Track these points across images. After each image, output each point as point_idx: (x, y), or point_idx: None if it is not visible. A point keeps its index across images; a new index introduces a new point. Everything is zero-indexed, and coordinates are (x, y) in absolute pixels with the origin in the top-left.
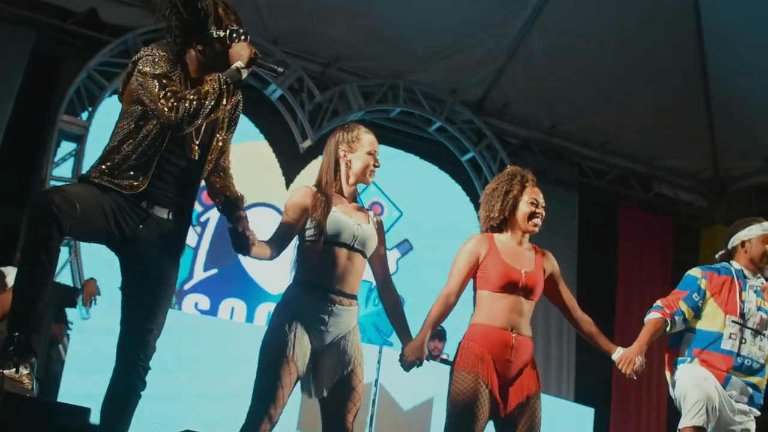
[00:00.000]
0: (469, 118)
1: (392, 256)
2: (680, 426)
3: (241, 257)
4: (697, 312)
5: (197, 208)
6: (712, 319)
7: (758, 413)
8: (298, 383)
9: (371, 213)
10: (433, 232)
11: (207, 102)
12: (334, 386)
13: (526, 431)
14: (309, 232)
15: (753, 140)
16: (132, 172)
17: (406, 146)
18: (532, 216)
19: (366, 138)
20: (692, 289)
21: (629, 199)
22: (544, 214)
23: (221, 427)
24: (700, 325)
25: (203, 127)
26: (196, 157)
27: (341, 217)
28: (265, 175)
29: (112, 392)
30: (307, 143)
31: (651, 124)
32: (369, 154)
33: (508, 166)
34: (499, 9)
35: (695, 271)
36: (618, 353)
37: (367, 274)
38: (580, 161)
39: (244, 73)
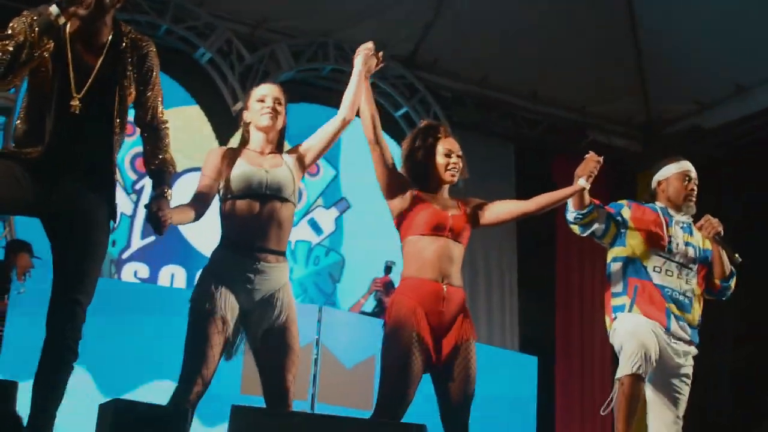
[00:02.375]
0: (400, 73)
1: (331, 214)
2: (617, 375)
3: None
4: (618, 233)
5: (131, 175)
6: (638, 250)
7: (696, 351)
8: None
9: (286, 155)
10: (371, 190)
11: (4, 54)
12: (268, 346)
13: (461, 380)
14: (222, 191)
15: (684, 83)
16: (32, 139)
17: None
18: (447, 167)
19: (256, 91)
20: (617, 209)
21: (564, 148)
22: (460, 163)
23: (160, 391)
24: (627, 252)
25: (89, 82)
26: (77, 111)
27: (245, 167)
28: (197, 140)
29: (42, 364)
30: (239, 106)
31: (582, 71)
32: (258, 101)
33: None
34: None
35: (621, 201)
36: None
37: (304, 233)
38: (513, 112)
39: (61, 20)
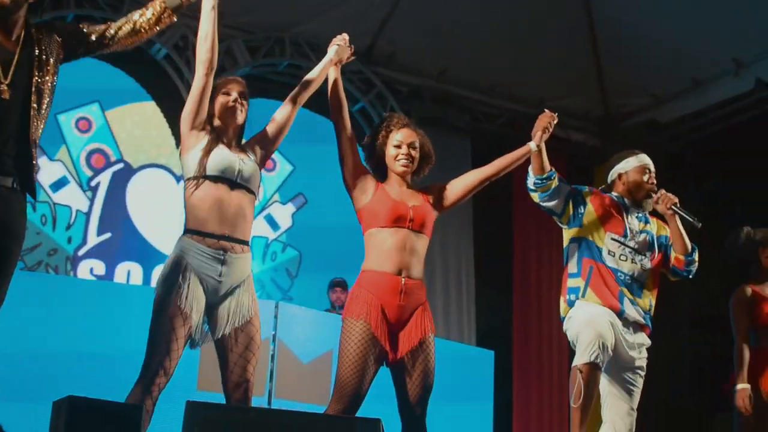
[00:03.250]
0: (357, 68)
1: (287, 210)
2: (574, 363)
3: (134, 218)
4: (576, 213)
5: (87, 172)
6: (594, 233)
7: (649, 342)
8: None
9: (249, 150)
10: (328, 185)
11: None
12: (232, 336)
13: (419, 374)
14: (195, 170)
15: (640, 76)
16: None
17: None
18: (396, 157)
19: (223, 84)
20: (578, 190)
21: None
22: (413, 153)
23: (116, 387)
24: (583, 234)
25: (12, 68)
26: (6, 96)
27: (224, 151)
28: (154, 136)
29: None
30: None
31: (540, 65)
32: (223, 94)
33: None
34: None
35: (584, 186)
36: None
37: (261, 229)
38: (471, 106)
39: None
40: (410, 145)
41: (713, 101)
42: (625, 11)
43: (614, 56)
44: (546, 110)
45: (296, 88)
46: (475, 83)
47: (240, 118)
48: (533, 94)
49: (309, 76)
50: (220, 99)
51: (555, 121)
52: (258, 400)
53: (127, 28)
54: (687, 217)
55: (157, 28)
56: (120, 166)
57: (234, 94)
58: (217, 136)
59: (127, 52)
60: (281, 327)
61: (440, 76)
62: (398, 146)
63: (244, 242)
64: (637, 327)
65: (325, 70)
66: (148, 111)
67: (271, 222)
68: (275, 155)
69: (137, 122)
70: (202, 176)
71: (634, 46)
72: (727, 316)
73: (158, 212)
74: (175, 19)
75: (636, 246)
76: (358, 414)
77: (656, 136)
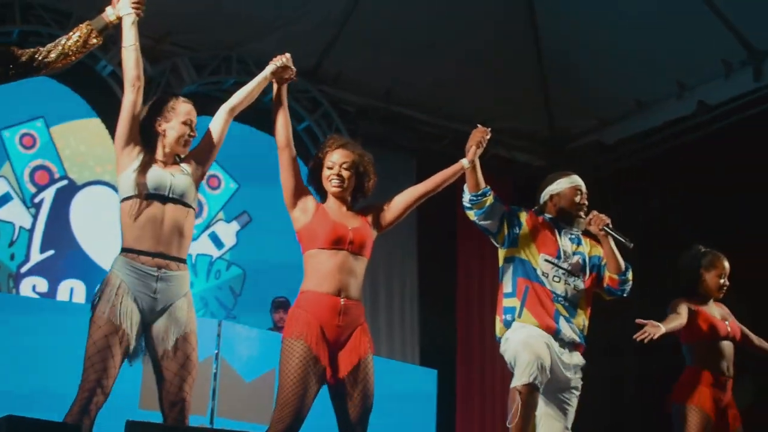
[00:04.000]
0: (303, 87)
1: (232, 228)
2: (512, 385)
3: (77, 236)
4: (511, 233)
5: (30, 188)
6: (528, 253)
7: (583, 362)
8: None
9: (183, 164)
10: (272, 203)
11: None
12: (168, 354)
13: (359, 395)
14: (127, 190)
15: (586, 98)
16: None
17: (241, 118)
18: (329, 179)
19: (182, 109)
20: (514, 210)
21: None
22: (344, 174)
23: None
24: (517, 254)
25: None
26: None
27: (155, 170)
28: (99, 153)
29: None
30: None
31: (486, 86)
32: (184, 123)
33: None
34: None
35: (520, 207)
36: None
37: (205, 247)
38: (417, 126)
39: None
40: (342, 166)
41: (657, 123)
42: (571, 34)
43: (560, 78)
44: (479, 126)
45: (229, 100)
46: (421, 103)
47: (186, 150)
48: (479, 114)
49: (242, 90)
50: (178, 127)
51: (488, 137)
52: (200, 419)
53: (55, 52)
54: (619, 237)
55: (85, 50)
56: (64, 183)
57: (193, 126)
58: (152, 154)
59: (72, 69)
60: (224, 346)
61: (387, 96)
62: (331, 167)
63: (180, 259)
64: (572, 347)
65: (260, 86)
66: (93, 127)
67: (216, 240)
68: (219, 173)
69: (82, 139)
70: (136, 196)
71: (580, 68)
72: (671, 337)
73: (102, 229)
74: (101, 41)
75: (569, 267)
76: None
77: (601, 157)
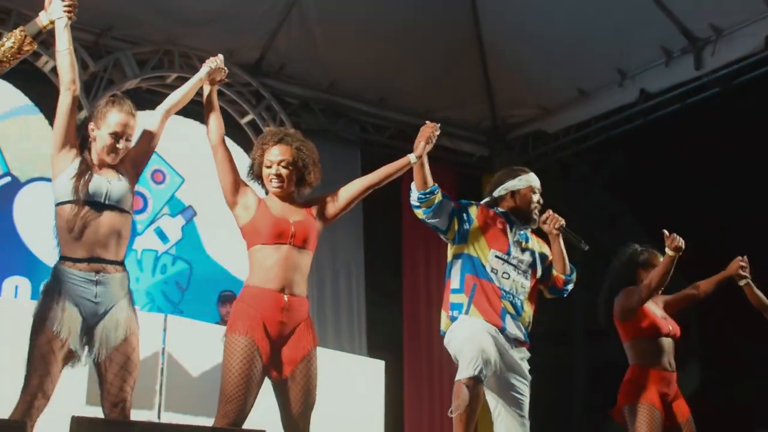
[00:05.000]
0: (246, 80)
1: (177, 222)
2: (456, 378)
3: (21, 233)
4: (461, 229)
5: None
6: (478, 249)
7: (529, 354)
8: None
9: (119, 166)
10: (217, 197)
11: None
12: (108, 356)
13: (302, 389)
14: (64, 196)
15: (527, 88)
16: None
17: (184, 112)
18: (269, 178)
19: (112, 119)
20: (464, 206)
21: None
22: (283, 173)
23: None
24: (466, 250)
25: None
26: None
27: (93, 174)
28: (41, 149)
29: None
30: (83, 114)
31: (428, 77)
32: (112, 134)
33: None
34: None
35: (471, 201)
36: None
37: (151, 242)
38: (360, 118)
39: None
40: (280, 164)
41: (598, 112)
42: (512, 24)
43: (502, 68)
44: (428, 122)
45: (164, 102)
46: (364, 95)
47: (117, 159)
48: (422, 105)
49: (177, 92)
50: (105, 138)
51: (438, 132)
52: (148, 414)
53: None
54: (574, 238)
55: (20, 56)
56: (7, 179)
57: (124, 136)
58: (88, 158)
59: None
60: (171, 340)
61: (329, 88)
62: (269, 166)
63: (118, 262)
64: (517, 343)
65: (195, 87)
66: (36, 124)
67: (161, 235)
68: (164, 168)
69: (24, 135)
70: (71, 201)
71: (521, 58)
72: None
73: (47, 226)
74: (36, 47)
75: (518, 264)
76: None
77: (543, 146)
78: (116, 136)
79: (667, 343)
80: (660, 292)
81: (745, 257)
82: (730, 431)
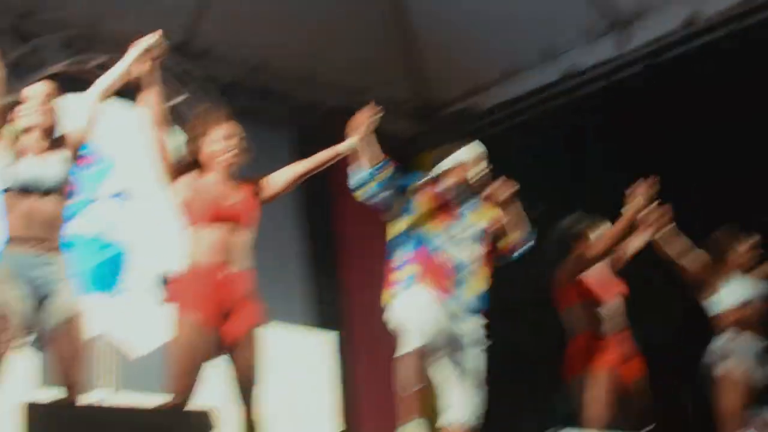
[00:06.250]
0: (173, 62)
1: (110, 205)
2: (401, 352)
3: None
4: (407, 205)
5: None
6: (425, 223)
7: (483, 320)
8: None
9: (57, 150)
10: (149, 178)
11: None
12: (56, 339)
13: (247, 364)
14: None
15: (454, 67)
16: None
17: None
18: (225, 151)
19: (23, 91)
20: (409, 180)
21: (341, 133)
22: (238, 144)
23: None
24: (413, 224)
25: None
26: None
27: (24, 161)
28: None
29: None
30: (7, 99)
31: (358, 56)
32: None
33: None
34: None
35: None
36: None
37: (86, 226)
38: (290, 97)
39: None
40: (236, 138)
41: (525, 90)
42: (439, 1)
43: (430, 46)
44: (371, 103)
45: (98, 83)
46: (293, 75)
47: (43, 122)
48: (352, 84)
49: (108, 73)
50: (26, 104)
51: (378, 116)
52: (102, 394)
53: None
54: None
55: None
56: None
57: (31, 102)
58: (22, 143)
59: None
60: (117, 321)
61: (258, 68)
62: (227, 139)
63: (57, 246)
64: (470, 312)
65: (128, 68)
66: None
67: (96, 218)
68: (96, 149)
69: None
70: (10, 188)
71: (447, 35)
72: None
73: None
74: None
75: (467, 235)
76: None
77: (471, 124)
78: (24, 101)
79: (610, 307)
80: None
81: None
82: None
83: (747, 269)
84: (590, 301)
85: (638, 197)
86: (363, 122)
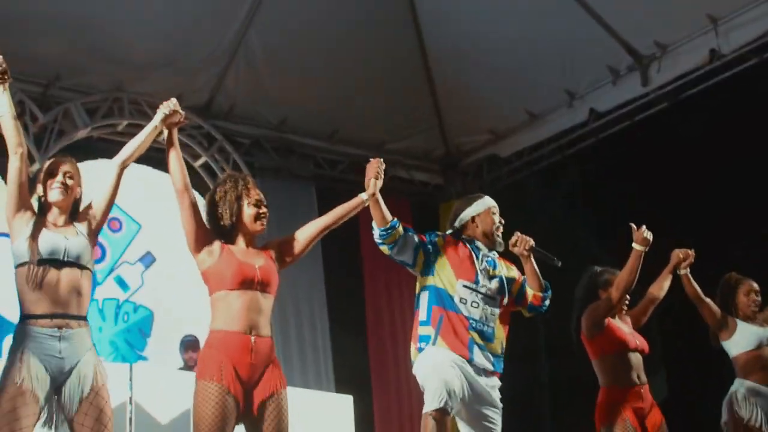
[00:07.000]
0: (197, 123)
1: (136, 270)
2: (424, 410)
3: None
4: (428, 261)
5: None
6: (445, 280)
7: (499, 383)
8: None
9: (77, 223)
10: (175, 242)
11: None
12: (81, 411)
13: (274, 429)
14: (22, 256)
15: (477, 114)
16: None
17: (138, 158)
18: (257, 217)
19: (47, 166)
20: (429, 238)
21: (365, 185)
22: (267, 211)
23: None
24: (433, 282)
25: None
26: None
27: (46, 234)
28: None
29: None
30: (36, 167)
31: (379, 109)
32: (47, 174)
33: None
34: (213, 11)
35: (436, 232)
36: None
37: (112, 291)
38: (313, 154)
39: None
40: (264, 203)
41: (550, 133)
42: (459, 51)
43: (451, 95)
44: (371, 159)
45: (120, 154)
46: (315, 130)
47: (64, 198)
48: (374, 137)
49: (133, 142)
50: (47, 181)
51: (383, 167)
52: None
53: None
54: (546, 255)
55: None
56: None
57: (59, 177)
58: (44, 217)
59: None
60: (137, 389)
61: (280, 126)
62: (257, 205)
63: (80, 317)
64: (487, 373)
65: (151, 135)
66: None
67: (121, 283)
68: (120, 215)
69: None
70: (30, 262)
71: (469, 84)
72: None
73: (5, 281)
74: None
75: (487, 292)
76: None
77: (498, 170)
78: (54, 174)
79: (636, 358)
80: (626, 303)
81: (686, 250)
82: None
83: (751, 317)
84: (621, 351)
85: (676, 251)
86: (371, 175)
